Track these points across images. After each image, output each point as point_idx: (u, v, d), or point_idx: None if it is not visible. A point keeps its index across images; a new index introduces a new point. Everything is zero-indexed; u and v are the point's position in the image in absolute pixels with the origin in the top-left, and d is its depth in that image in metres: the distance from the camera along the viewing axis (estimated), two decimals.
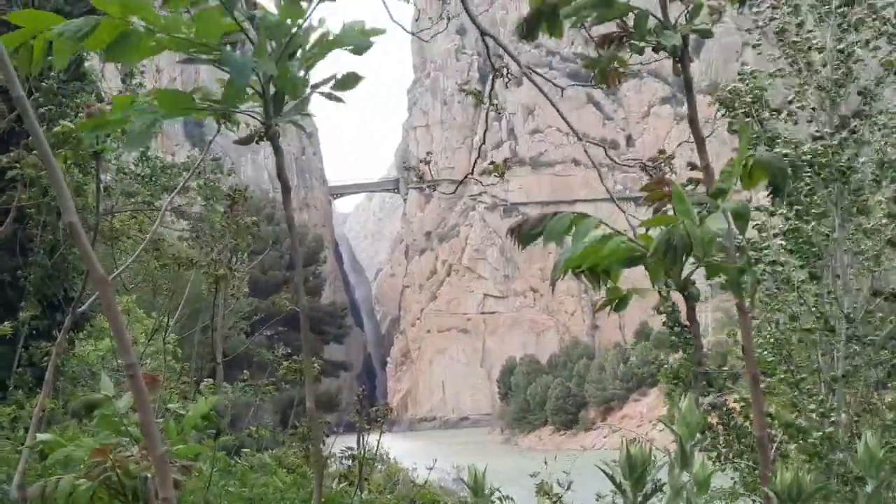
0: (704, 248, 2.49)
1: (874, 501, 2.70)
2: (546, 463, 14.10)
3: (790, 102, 13.66)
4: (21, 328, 12.34)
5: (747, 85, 13.37)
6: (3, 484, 7.77)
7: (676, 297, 13.12)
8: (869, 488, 2.71)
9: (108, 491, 3.04)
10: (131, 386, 2.31)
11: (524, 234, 2.71)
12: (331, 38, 2.53)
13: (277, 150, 2.63)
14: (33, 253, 13.36)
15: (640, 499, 2.43)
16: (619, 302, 2.81)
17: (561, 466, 13.73)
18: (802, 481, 2.48)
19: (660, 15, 2.97)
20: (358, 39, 2.56)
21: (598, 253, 2.59)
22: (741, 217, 2.62)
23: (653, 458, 2.48)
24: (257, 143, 2.62)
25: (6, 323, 11.72)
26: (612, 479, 2.48)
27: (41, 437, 3.39)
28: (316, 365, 12.09)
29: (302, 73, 2.55)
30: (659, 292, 2.72)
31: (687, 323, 14.51)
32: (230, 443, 11.46)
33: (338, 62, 2.57)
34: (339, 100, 2.64)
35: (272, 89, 2.51)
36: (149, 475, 2.99)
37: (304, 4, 2.48)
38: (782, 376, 13.03)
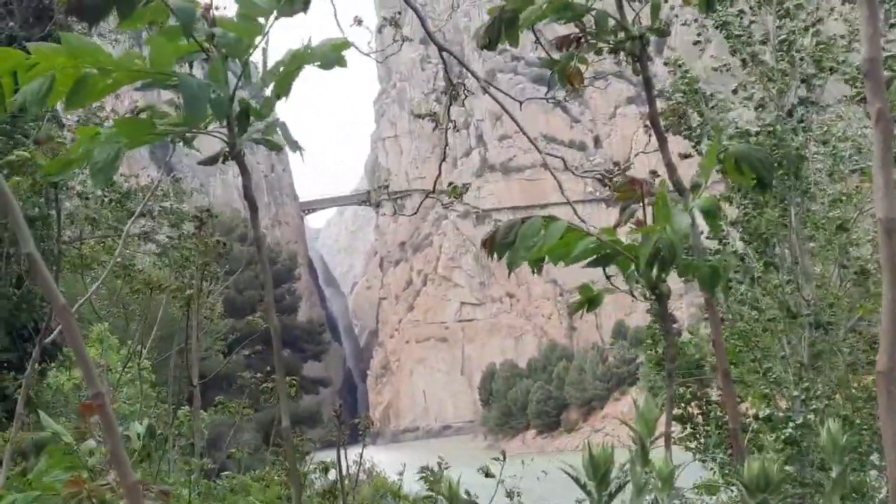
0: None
1: (839, 486, 2.72)
2: (523, 464, 14.10)
3: (734, 92, 13.79)
4: None
5: (677, 76, 13.48)
6: None
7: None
8: (834, 474, 2.74)
9: None
10: (100, 416, 2.26)
11: (497, 245, 2.67)
12: (300, 54, 2.49)
13: (244, 171, 2.58)
14: (0, 285, 13.26)
15: (605, 498, 2.45)
16: (591, 302, 2.80)
17: (544, 469, 13.72)
18: (769, 471, 2.51)
19: (617, 16, 2.94)
20: (329, 55, 2.52)
21: (568, 249, 2.56)
22: (711, 215, 2.60)
23: (615, 457, 2.50)
24: (223, 163, 2.58)
25: None
26: (576, 480, 2.49)
27: None
28: (293, 382, 12.02)
29: (268, 91, 2.51)
30: (630, 292, 2.71)
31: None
32: (207, 466, 11.37)
33: (302, 76, 2.53)
34: (276, 148, 2.62)
35: (236, 109, 2.47)
36: None
37: (261, 21, 2.44)
38: (750, 365, 13.13)
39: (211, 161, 2.61)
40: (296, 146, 2.58)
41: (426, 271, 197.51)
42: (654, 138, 3.05)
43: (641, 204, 2.64)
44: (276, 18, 2.45)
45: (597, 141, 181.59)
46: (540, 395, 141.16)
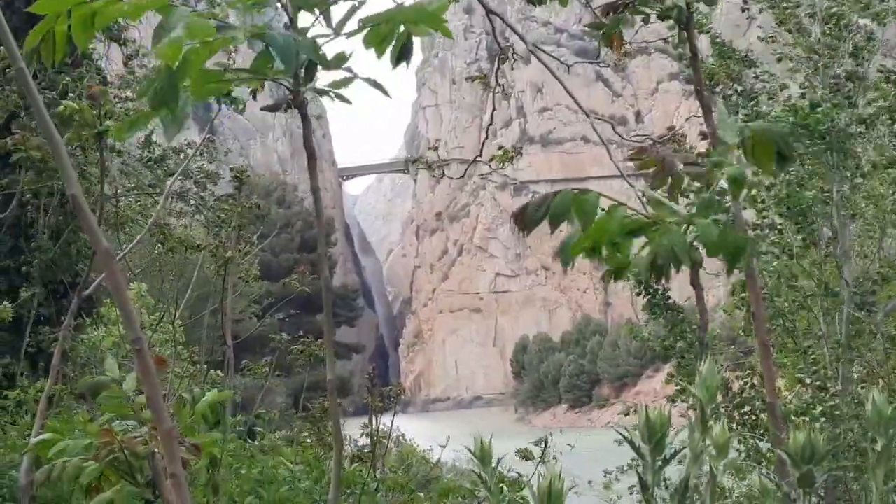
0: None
1: (884, 459, 2.67)
2: (551, 436, 14.08)
3: (779, 61, 13.61)
4: (27, 314, 12.30)
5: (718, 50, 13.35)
6: (12, 470, 7.73)
7: None
8: (878, 446, 2.68)
9: (115, 472, 3.00)
10: (137, 360, 2.25)
11: (528, 219, 2.62)
12: (401, 13, 2.43)
13: (305, 119, 2.56)
14: (36, 238, 13.31)
15: (659, 463, 2.40)
16: (617, 271, 2.75)
17: (576, 443, 13.66)
18: (815, 442, 2.48)
19: None
20: (430, 15, 2.44)
21: (605, 227, 2.50)
22: (737, 183, 2.55)
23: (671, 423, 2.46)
24: (285, 111, 2.55)
25: (5, 304, 11.66)
26: (630, 443, 2.44)
27: (38, 438, 3.34)
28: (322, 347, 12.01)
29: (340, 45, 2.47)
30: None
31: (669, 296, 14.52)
32: (239, 425, 11.41)
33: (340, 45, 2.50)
34: (345, 100, 2.57)
35: (303, 59, 2.42)
36: (156, 451, 2.94)
37: None
38: (785, 342, 13.02)
39: (274, 108, 2.60)
40: (375, 84, 2.53)
41: (462, 241, 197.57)
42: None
43: (663, 173, 2.58)
44: None
45: (638, 116, 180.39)
46: (572, 370, 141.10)
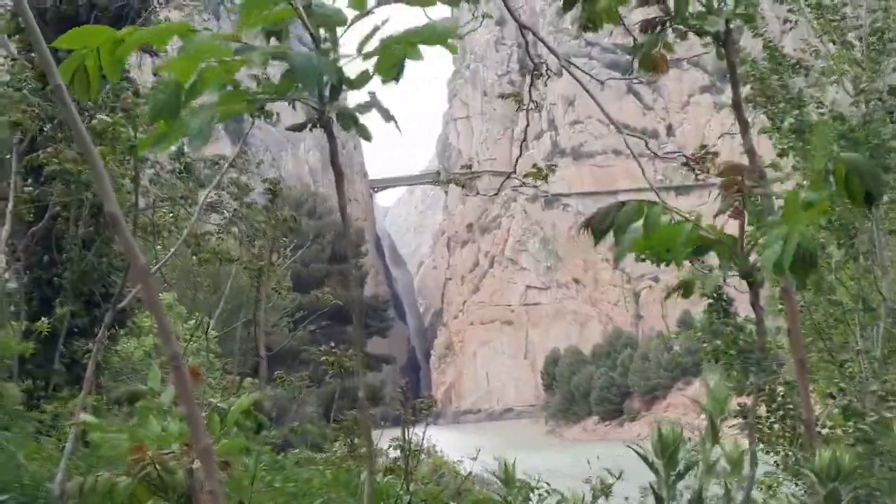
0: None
1: None
2: (589, 462, 14.03)
3: (822, 75, 13.58)
4: (60, 326, 12.38)
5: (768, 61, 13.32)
6: (47, 482, 7.78)
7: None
8: None
9: (147, 487, 3.02)
10: (175, 377, 2.28)
11: (595, 229, 2.66)
12: (413, 33, 2.46)
13: (331, 137, 2.58)
14: (68, 250, 13.42)
15: (672, 478, 2.42)
16: (686, 287, 2.83)
17: (605, 457, 13.60)
18: (841, 461, 2.48)
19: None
20: (441, 34, 2.48)
21: (671, 238, 2.52)
22: (811, 207, 2.55)
23: (684, 438, 2.48)
24: (311, 130, 2.58)
25: (43, 319, 11.76)
26: (644, 458, 2.47)
27: (85, 417, 3.37)
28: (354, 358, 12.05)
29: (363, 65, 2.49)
30: (724, 280, 2.68)
31: (729, 310, 14.49)
32: (276, 438, 11.42)
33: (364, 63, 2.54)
34: (367, 135, 2.59)
35: (327, 79, 2.46)
36: (193, 467, 2.96)
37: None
38: (819, 358, 12.95)
39: (299, 127, 2.62)
40: (388, 116, 2.56)
41: (493, 253, 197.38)
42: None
43: (742, 193, 2.59)
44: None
45: (669, 129, 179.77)
46: (603, 382, 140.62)
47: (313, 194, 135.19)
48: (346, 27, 2.45)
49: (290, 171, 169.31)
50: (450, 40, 2.48)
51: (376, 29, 2.43)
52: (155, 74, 12.37)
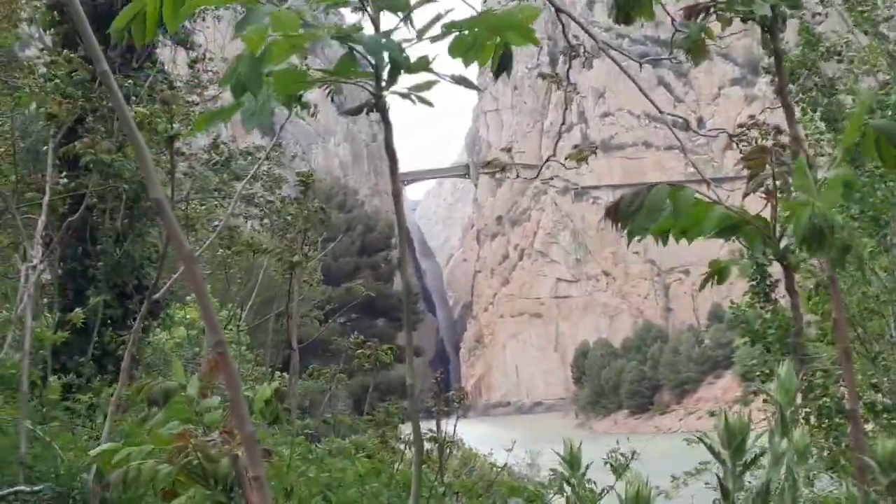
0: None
1: None
2: (618, 443, 13.99)
3: (851, 62, 13.49)
4: (94, 317, 12.44)
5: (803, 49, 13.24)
6: (83, 473, 7.83)
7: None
8: None
9: (189, 475, 3.04)
10: (220, 363, 2.29)
11: (622, 213, 2.59)
12: (494, 19, 2.46)
13: (387, 123, 2.57)
14: (101, 242, 13.48)
15: (739, 468, 2.38)
16: (719, 274, 2.80)
17: (636, 447, 13.57)
18: None
19: None
20: (522, 19, 2.47)
21: (697, 219, 2.51)
22: (851, 187, 2.50)
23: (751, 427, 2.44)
24: (367, 114, 2.59)
25: (78, 310, 11.81)
26: (710, 449, 2.42)
27: (99, 448, 3.39)
28: (390, 349, 12.06)
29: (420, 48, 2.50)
30: (756, 262, 2.66)
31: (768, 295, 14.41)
32: (309, 428, 11.46)
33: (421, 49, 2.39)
34: (427, 102, 2.59)
35: (385, 62, 2.46)
36: (238, 455, 2.97)
37: None
38: (856, 348, 12.84)
39: (355, 111, 2.62)
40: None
41: (523, 246, 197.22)
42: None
43: (771, 173, 2.56)
44: None
45: (700, 121, 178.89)
46: (633, 376, 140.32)
47: (343, 187, 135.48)
48: (406, 12, 2.44)
49: (321, 163, 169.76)
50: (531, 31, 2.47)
51: (439, 17, 2.43)
52: (190, 67, 12.42)
